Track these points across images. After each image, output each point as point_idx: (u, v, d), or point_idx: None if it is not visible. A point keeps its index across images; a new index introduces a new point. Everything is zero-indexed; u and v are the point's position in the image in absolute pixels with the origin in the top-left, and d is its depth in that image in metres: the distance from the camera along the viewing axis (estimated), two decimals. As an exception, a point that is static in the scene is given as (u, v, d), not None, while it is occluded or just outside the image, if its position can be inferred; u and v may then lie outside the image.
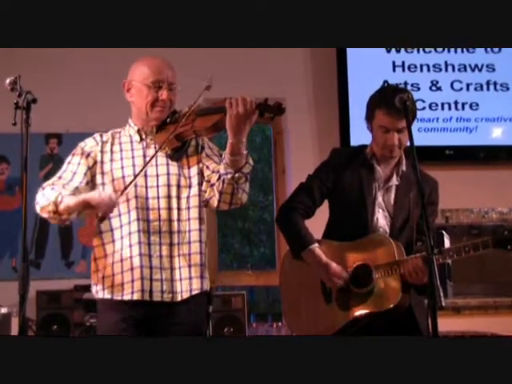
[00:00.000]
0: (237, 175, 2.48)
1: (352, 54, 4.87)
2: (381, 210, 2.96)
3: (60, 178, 2.58)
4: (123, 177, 2.56)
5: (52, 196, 2.46)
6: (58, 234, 4.66)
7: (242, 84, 4.67)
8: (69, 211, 2.45)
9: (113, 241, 2.56)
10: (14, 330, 3.67)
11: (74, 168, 2.59)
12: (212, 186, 2.55)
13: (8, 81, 2.33)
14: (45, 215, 2.49)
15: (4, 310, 4.01)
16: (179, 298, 2.53)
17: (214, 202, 2.57)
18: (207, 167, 2.61)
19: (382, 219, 2.95)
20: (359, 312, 2.86)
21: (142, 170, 2.52)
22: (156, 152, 2.53)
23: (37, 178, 4.57)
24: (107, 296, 2.54)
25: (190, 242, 2.57)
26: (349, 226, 2.95)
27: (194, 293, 2.55)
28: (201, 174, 2.61)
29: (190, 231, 2.57)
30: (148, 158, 2.58)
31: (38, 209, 2.50)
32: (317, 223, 3.09)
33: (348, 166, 3.00)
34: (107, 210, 2.41)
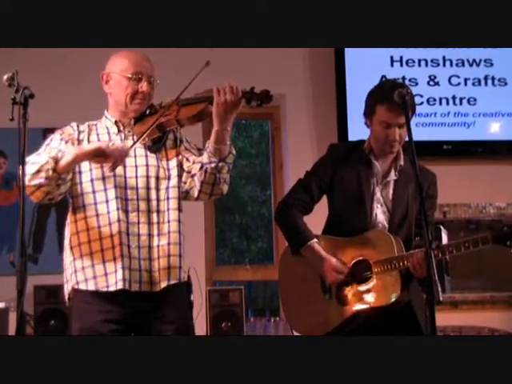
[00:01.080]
0: (220, 164, 2.50)
1: (350, 49, 4.85)
2: (379, 206, 2.96)
3: (39, 154, 2.51)
4: (101, 166, 2.53)
5: (46, 155, 2.41)
6: (56, 228, 4.64)
7: (240, 83, 4.67)
8: (75, 161, 2.41)
9: (91, 228, 2.53)
10: (12, 325, 3.66)
11: (53, 151, 2.51)
12: (193, 176, 2.56)
13: (5, 77, 2.33)
14: (36, 182, 2.39)
15: (1, 305, 4.01)
16: (158, 289, 2.51)
17: (195, 193, 2.58)
18: (187, 159, 2.62)
19: (380, 215, 2.95)
20: (358, 307, 2.86)
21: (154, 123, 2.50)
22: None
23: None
24: (87, 287, 2.49)
25: (169, 232, 2.55)
26: (348, 222, 2.95)
27: (171, 282, 2.52)
28: (180, 166, 2.62)
29: (169, 222, 2.56)
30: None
31: (27, 179, 2.37)
32: (316, 219, 3.09)
33: (346, 161, 3.00)
34: (120, 158, 2.42)
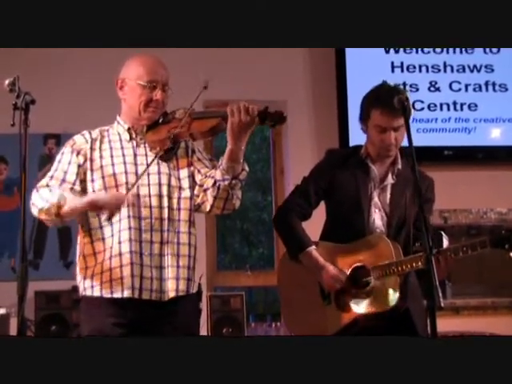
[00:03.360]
0: (233, 182, 2.52)
1: (351, 54, 4.87)
2: (377, 210, 2.95)
3: (52, 177, 2.56)
4: (114, 174, 2.55)
5: (53, 198, 2.43)
6: (57, 234, 4.64)
7: (240, 84, 4.68)
8: (73, 213, 2.46)
9: (103, 238, 2.54)
10: (13, 331, 3.66)
11: (65, 167, 2.57)
12: (205, 190, 2.57)
13: (7, 82, 2.34)
14: (43, 217, 2.46)
15: (2, 311, 4.01)
16: (166, 298, 2.51)
17: (207, 207, 2.59)
18: (198, 171, 2.63)
19: (378, 220, 2.95)
20: (358, 313, 2.85)
21: (147, 168, 2.52)
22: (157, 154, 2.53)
23: (35, 178, 4.56)
24: (96, 294, 2.51)
25: (179, 244, 2.56)
26: (346, 228, 2.95)
27: (180, 294, 2.53)
28: (192, 177, 2.62)
29: (179, 232, 2.57)
30: (138, 157, 2.59)
31: (34, 211, 2.47)
32: (314, 225, 3.08)
33: (343, 166, 2.99)
34: (115, 208, 2.42)
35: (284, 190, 4.95)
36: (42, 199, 2.46)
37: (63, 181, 2.55)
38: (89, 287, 2.53)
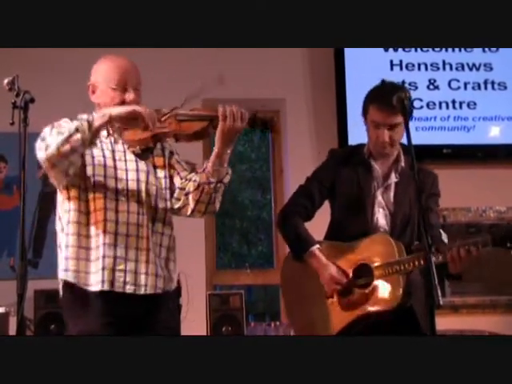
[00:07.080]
0: (218, 185, 2.54)
1: (349, 53, 4.86)
2: (381, 210, 2.95)
3: (52, 135, 2.42)
4: (93, 165, 2.50)
5: (75, 123, 2.36)
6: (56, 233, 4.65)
7: (239, 84, 4.68)
8: (108, 123, 2.40)
9: (82, 225, 2.49)
10: (12, 330, 3.67)
11: (64, 124, 2.48)
12: (187, 194, 2.58)
13: (6, 81, 2.34)
14: (68, 147, 2.33)
15: (2, 310, 4.01)
16: (142, 292, 2.48)
17: (188, 211, 2.60)
18: (178, 173, 2.63)
19: (382, 218, 2.94)
20: (361, 312, 2.85)
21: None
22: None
23: (35, 177, 4.58)
24: (72, 280, 2.45)
25: (155, 243, 2.54)
26: (350, 227, 2.95)
27: (158, 291, 2.51)
28: (170, 179, 2.62)
29: (156, 232, 2.56)
30: (117, 153, 2.56)
31: (54, 148, 2.34)
32: (318, 224, 3.08)
33: (346, 165, 3.00)
34: (153, 121, 2.41)
35: (283, 189, 4.95)
36: (61, 132, 2.36)
37: None
38: (62, 270, 2.48)
